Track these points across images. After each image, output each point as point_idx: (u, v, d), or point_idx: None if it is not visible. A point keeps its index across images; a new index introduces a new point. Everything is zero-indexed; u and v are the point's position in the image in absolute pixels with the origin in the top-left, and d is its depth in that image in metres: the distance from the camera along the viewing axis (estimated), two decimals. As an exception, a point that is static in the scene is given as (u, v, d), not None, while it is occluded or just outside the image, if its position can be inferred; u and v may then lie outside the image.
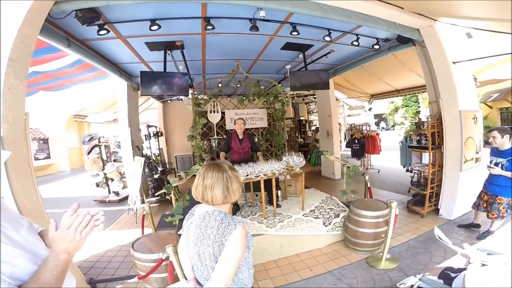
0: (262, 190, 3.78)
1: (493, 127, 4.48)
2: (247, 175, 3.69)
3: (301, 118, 12.55)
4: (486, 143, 3.84)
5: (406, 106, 18.84)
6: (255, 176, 3.70)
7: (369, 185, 4.10)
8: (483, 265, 1.58)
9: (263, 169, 3.76)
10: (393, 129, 19.85)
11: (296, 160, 3.95)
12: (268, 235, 3.42)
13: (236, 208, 4.22)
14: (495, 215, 3.36)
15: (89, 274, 3.07)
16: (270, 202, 4.17)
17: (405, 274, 2.79)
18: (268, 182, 3.88)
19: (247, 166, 3.77)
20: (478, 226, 3.73)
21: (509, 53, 4.24)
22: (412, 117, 17.55)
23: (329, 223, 3.64)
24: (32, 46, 2.59)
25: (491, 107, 10.59)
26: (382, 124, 21.01)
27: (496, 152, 3.41)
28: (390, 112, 20.53)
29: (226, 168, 1.34)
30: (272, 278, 2.98)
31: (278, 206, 4.27)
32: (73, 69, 5.11)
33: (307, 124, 12.75)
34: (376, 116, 21.23)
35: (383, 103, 19.32)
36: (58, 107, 8.78)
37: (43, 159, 11.74)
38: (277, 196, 4.53)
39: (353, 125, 9.08)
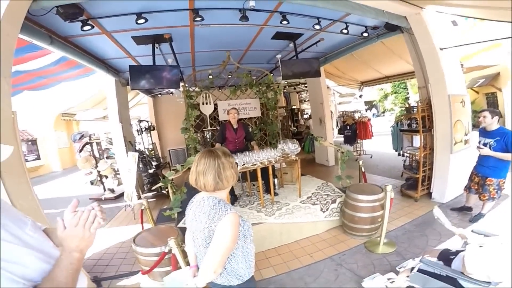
0: (259, 179, 3.81)
1: (485, 108, 4.58)
2: (243, 164, 3.72)
3: (293, 107, 12.58)
4: (474, 126, 3.94)
5: (395, 92, 19.02)
6: (252, 165, 3.73)
7: (363, 170, 4.18)
8: (480, 246, 1.65)
9: (259, 157, 3.78)
10: (383, 115, 20.11)
11: (292, 147, 3.99)
12: (267, 223, 3.48)
13: (234, 199, 4.27)
14: (486, 197, 3.41)
15: (92, 273, 3.07)
16: (267, 190, 4.22)
17: (403, 258, 2.87)
18: (264, 170, 3.91)
19: (243, 155, 3.79)
20: (470, 209, 3.80)
21: (492, 40, 4.32)
22: (401, 103, 17.80)
23: (327, 209, 3.72)
24: (13, 44, 2.51)
25: (477, 92, 10.89)
26: (374, 110, 21.24)
27: (484, 133, 3.47)
28: (380, 98, 20.74)
29: (219, 155, 1.33)
30: (274, 266, 3.04)
31: (275, 194, 4.32)
32: (56, 67, 4.96)
33: (299, 112, 12.80)
34: (366, 103, 21.39)
35: (373, 90, 19.47)
36: (45, 106, 8.54)
37: (33, 160, 11.40)
38: (274, 184, 4.59)
39: (344, 112, 9.16)
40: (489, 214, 3.57)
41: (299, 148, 4.06)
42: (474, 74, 9.99)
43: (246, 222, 1.33)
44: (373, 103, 22.01)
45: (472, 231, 1.99)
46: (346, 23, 4.41)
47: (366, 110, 19.34)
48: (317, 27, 4.18)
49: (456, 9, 3.92)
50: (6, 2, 2.28)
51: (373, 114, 20.77)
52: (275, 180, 4.64)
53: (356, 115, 8.56)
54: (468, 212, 3.80)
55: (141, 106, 10.24)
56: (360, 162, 4.23)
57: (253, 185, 4.79)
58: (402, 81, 12.20)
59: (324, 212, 3.69)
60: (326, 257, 3.10)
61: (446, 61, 4.19)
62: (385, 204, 3.05)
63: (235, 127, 4.48)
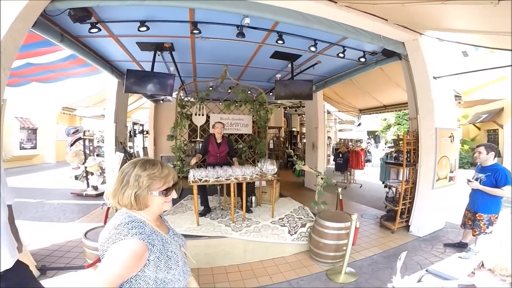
0: (232, 193, 3.79)
1: (482, 143, 4.50)
2: (217, 177, 3.72)
3: (293, 129, 12.61)
4: (472, 164, 3.89)
5: (398, 124, 18.84)
6: (226, 179, 3.73)
7: (340, 198, 4.11)
8: None
9: (235, 173, 3.78)
10: (383, 149, 19.72)
11: (269, 168, 3.97)
12: (231, 239, 3.41)
13: (207, 210, 4.22)
14: (477, 232, 3.36)
15: (43, 262, 3.05)
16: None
17: (361, 290, 2.78)
18: (240, 186, 3.90)
19: (219, 168, 3.81)
20: (465, 245, 3.68)
21: (490, 69, 4.27)
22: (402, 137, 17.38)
23: (295, 232, 3.63)
24: (21, 40, 2.66)
25: (479, 129, 10.66)
26: (376, 140, 20.75)
27: (480, 169, 3.43)
28: (382, 129, 20.51)
29: (145, 168, 1.11)
30: (230, 281, 2.97)
31: (250, 211, 4.27)
32: (66, 63, 5.18)
33: (298, 135, 12.81)
34: (369, 133, 21.24)
35: (377, 119, 19.38)
36: (50, 99, 8.83)
37: (29, 149, 11.59)
38: (251, 202, 4.54)
39: (341, 139, 9.16)
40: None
41: (276, 169, 4.04)
42: (477, 109, 9.76)
43: (167, 252, 1.10)
44: (376, 134, 21.74)
45: (426, 270, 1.89)
46: (343, 46, 4.45)
47: (368, 139, 19.03)
48: (313, 49, 4.25)
49: (458, 35, 3.84)
50: (24, 2, 2.44)
51: (384, 146, 20.14)
52: (253, 198, 4.60)
53: (363, 145, 8.50)
54: (463, 248, 3.67)
55: (143, 110, 10.45)
56: (339, 190, 4.17)
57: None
58: (406, 113, 12.06)
59: (292, 235, 3.60)
60: (284, 280, 2.99)
61: (439, 91, 4.16)
62: (349, 233, 2.96)
63: (218, 141, 4.49)
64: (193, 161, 4.30)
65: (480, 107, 9.46)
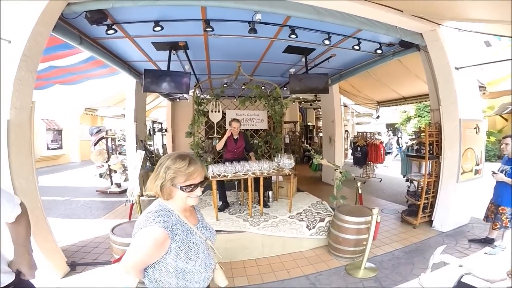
0: (249, 188, 3.82)
1: (509, 134, 4.34)
2: (235, 172, 3.77)
3: (309, 123, 12.46)
4: (499, 157, 3.71)
5: (419, 116, 18.10)
6: (243, 174, 3.77)
7: (360, 192, 4.04)
8: None
9: (252, 167, 3.82)
10: (407, 143, 18.86)
11: (286, 162, 3.97)
12: (249, 233, 3.45)
13: (225, 205, 4.29)
14: (498, 226, 3.26)
15: (72, 257, 3.21)
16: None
17: (381, 285, 2.73)
18: (257, 181, 3.93)
19: (237, 163, 3.86)
20: (492, 240, 3.52)
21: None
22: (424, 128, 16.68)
23: (313, 227, 3.61)
24: (44, 43, 2.84)
25: (506, 120, 10.09)
26: (397, 134, 19.97)
27: (506, 161, 3.30)
28: (402, 121, 19.74)
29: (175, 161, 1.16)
30: (248, 276, 3.01)
31: (267, 206, 4.30)
32: (86, 65, 5.39)
33: (314, 129, 12.65)
34: (388, 125, 20.49)
35: (396, 112, 18.72)
36: (73, 100, 9.23)
37: (55, 149, 12.19)
38: (268, 197, 4.57)
39: (359, 133, 8.97)
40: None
41: (293, 163, 4.03)
42: (504, 100, 9.27)
43: (189, 243, 1.14)
44: (395, 126, 20.97)
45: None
46: (358, 39, 4.35)
47: (396, 131, 18.39)
48: (327, 42, 4.17)
49: (478, 25, 3.72)
50: (43, 6, 2.60)
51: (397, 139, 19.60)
52: (270, 192, 4.62)
53: (383, 138, 8.28)
54: (489, 244, 3.52)
55: (160, 108, 10.71)
56: (358, 184, 4.09)
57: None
58: (427, 105, 11.62)
59: (310, 229, 3.59)
60: (302, 275, 3.00)
61: (462, 82, 4.00)
62: (370, 228, 2.91)
63: (235, 137, 4.54)
64: (227, 133, 4.38)
65: (506, 97, 8.93)
